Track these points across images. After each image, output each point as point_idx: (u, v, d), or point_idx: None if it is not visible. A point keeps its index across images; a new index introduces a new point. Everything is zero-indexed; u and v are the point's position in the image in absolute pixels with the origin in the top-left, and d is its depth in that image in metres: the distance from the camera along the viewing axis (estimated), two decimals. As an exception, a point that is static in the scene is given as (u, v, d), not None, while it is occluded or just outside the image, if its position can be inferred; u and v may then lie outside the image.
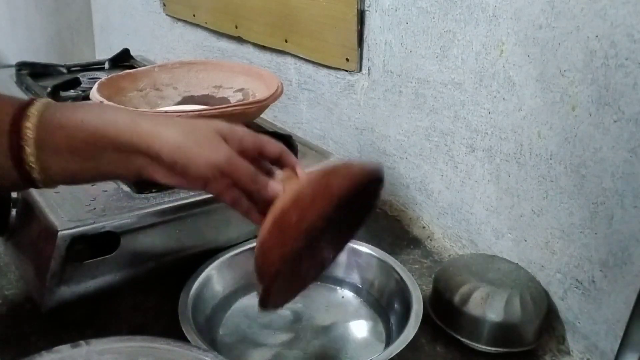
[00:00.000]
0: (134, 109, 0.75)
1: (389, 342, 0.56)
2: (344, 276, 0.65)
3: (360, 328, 0.60)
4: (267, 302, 0.47)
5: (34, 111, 0.42)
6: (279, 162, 0.51)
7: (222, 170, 0.46)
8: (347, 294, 0.64)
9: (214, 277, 0.60)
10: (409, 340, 0.51)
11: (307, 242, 0.43)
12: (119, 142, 0.43)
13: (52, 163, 0.43)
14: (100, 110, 0.46)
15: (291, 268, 0.46)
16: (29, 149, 0.42)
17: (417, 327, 0.53)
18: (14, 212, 0.60)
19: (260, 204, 0.48)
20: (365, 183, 0.46)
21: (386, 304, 0.61)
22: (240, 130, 0.49)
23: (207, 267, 0.60)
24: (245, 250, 0.63)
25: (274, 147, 0.51)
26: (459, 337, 0.58)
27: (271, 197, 0.47)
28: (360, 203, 0.49)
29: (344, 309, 0.62)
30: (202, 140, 0.45)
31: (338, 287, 0.65)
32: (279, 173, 0.50)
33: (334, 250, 0.54)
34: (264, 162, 0.51)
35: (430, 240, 0.79)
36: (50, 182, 0.44)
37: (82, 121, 0.43)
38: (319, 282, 0.65)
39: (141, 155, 0.44)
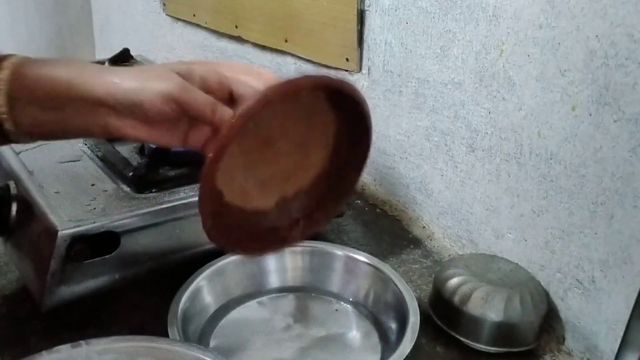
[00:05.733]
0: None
1: (384, 354, 0.55)
2: (338, 287, 0.63)
3: (355, 340, 0.58)
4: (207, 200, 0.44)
5: (7, 64, 0.44)
6: None
7: (176, 99, 0.44)
8: (342, 305, 0.62)
9: (204, 289, 0.59)
10: (404, 356, 0.50)
11: (242, 132, 0.41)
12: (82, 90, 0.44)
13: (22, 114, 0.44)
14: (69, 62, 0.47)
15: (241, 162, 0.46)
16: (1, 100, 0.43)
17: (414, 341, 0.51)
18: (14, 211, 0.60)
19: None
20: (302, 87, 0.43)
21: (382, 316, 0.59)
22: (201, 68, 0.47)
23: (196, 278, 0.58)
24: (235, 260, 0.62)
25: (245, 87, 0.47)
26: (459, 337, 0.58)
27: None
28: (323, 117, 0.47)
29: (338, 321, 0.60)
30: (153, 76, 0.45)
31: (332, 298, 0.63)
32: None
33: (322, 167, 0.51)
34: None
35: (430, 240, 0.79)
36: (22, 134, 0.45)
37: (50, 72, 0.44)
38: (312, 294, 0.63)
39: (104, 106, 0.45)
